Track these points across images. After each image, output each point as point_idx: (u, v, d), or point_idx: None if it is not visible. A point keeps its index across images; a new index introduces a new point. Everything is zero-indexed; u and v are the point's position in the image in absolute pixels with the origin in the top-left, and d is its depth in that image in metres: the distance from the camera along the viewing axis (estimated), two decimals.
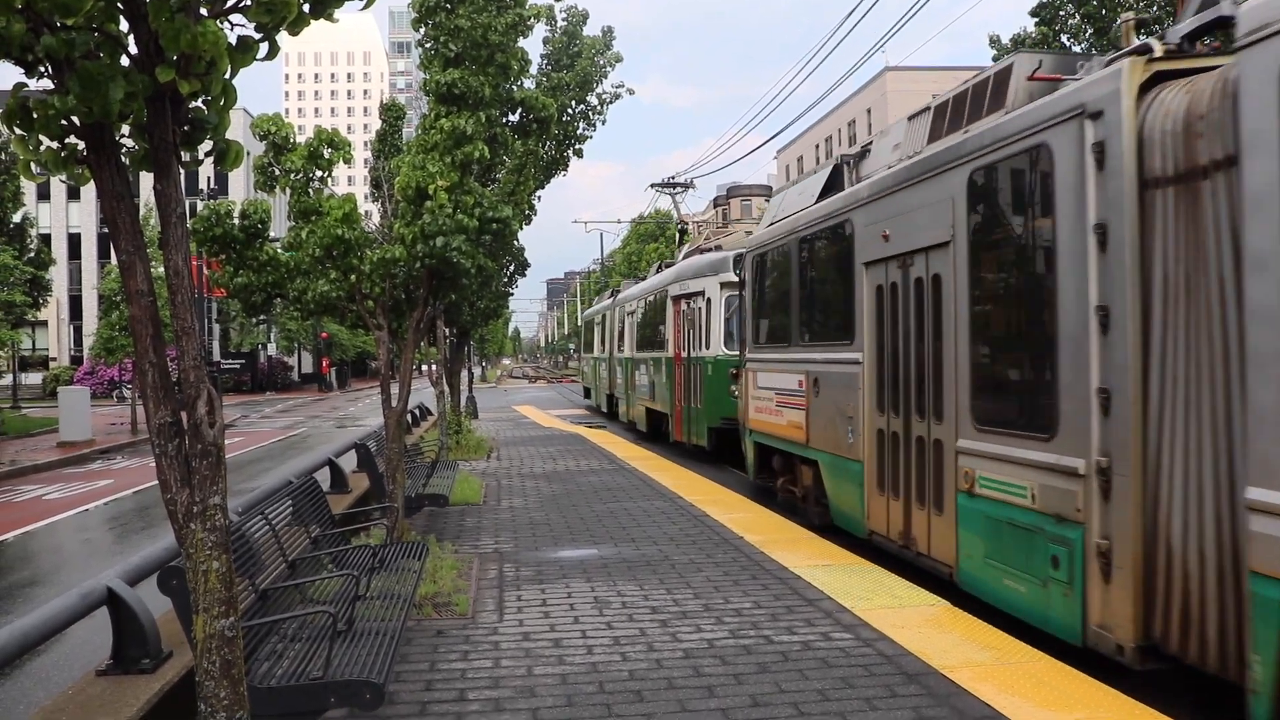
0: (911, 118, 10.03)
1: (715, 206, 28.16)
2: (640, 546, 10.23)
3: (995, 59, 29.12)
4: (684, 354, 21.45)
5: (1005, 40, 30.33)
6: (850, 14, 20.04)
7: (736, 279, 17.41)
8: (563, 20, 19.69)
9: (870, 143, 11.31)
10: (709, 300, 20.15)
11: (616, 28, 19.97)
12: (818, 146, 77.93)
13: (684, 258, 24.49)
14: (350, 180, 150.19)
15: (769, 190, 26.90)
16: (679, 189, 33.91)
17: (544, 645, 6.86)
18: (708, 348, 19.89)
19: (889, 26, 22.71)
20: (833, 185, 11.93)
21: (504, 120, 11.21)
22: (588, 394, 42.12)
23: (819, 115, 72.42)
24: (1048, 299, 6.98)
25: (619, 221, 77.80)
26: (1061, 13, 27.90)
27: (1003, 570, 7.48)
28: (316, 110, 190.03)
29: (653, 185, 34.51)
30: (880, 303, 9.83)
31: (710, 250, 22.29)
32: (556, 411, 37.94)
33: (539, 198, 19.18)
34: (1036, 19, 29.29)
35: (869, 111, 67.66)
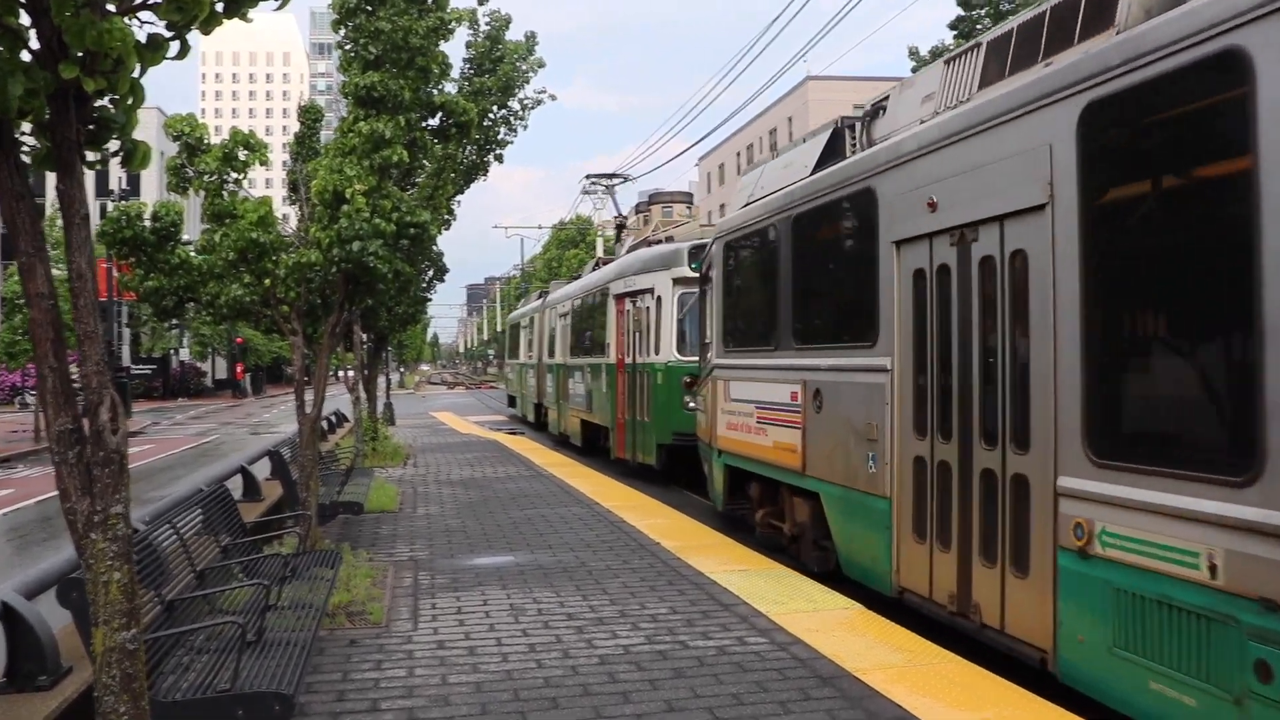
0: (949, 60, 8.15)
1: (638, 212, 27.86)
2: (557, 553, 10.21)
3: (914, 70, 29.87)
4: (628, 360, 19.08)
5: (924, 52, 31.13)
6: (773, 22, 20.32)
7: (692, 273, 15.98)
8: (486, 25, 19.60)
9: (884, 98, 9.32)
10: (659, 298, 17.76)
11: (544, 34, 19.96)
12: (739, 154, 78.83)
13: (628, 252, 21.99)
14: (269, 183, 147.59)
15: (690, 197, 26.64)
16: (615, 180, 32.53)
17: (459, 654, 6.80)
18: (657, 353, 17.61)
19: (810, 37, 23.03)
20: (832, 153, 9.87)
21: (423, 124, 11.13)
22: (512, 403, 40.39)
23: (741, 123, 73.17)
24: (1241, 274, 4.80)
25: (539, 227, 77.78)
26: (979, 26, 28.67)
27: (1148, 669, 5.24)
28: (234, 111, 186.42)
29: (588, 176, 33.47)
30: (922, 292, 7.67)
31: (660, 242, 19.97)
32: (475, 418, 37.68)
33: (458, 202, 19.07)
34: (955, 32, 30.13)
35: (790, 120, 68.59)
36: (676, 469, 17.12)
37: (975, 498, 6.93)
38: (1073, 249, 5.90)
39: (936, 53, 29.31)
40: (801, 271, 10.08)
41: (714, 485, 12.81)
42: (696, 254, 16.10)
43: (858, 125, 9.70)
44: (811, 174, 9.86)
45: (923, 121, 8.06)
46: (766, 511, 11.16)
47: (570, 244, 72.33)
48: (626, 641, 7.04)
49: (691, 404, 15.28)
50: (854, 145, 9.65)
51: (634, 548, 10.41)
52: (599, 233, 48.48)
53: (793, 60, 25.61)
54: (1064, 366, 5.95)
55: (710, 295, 12.99)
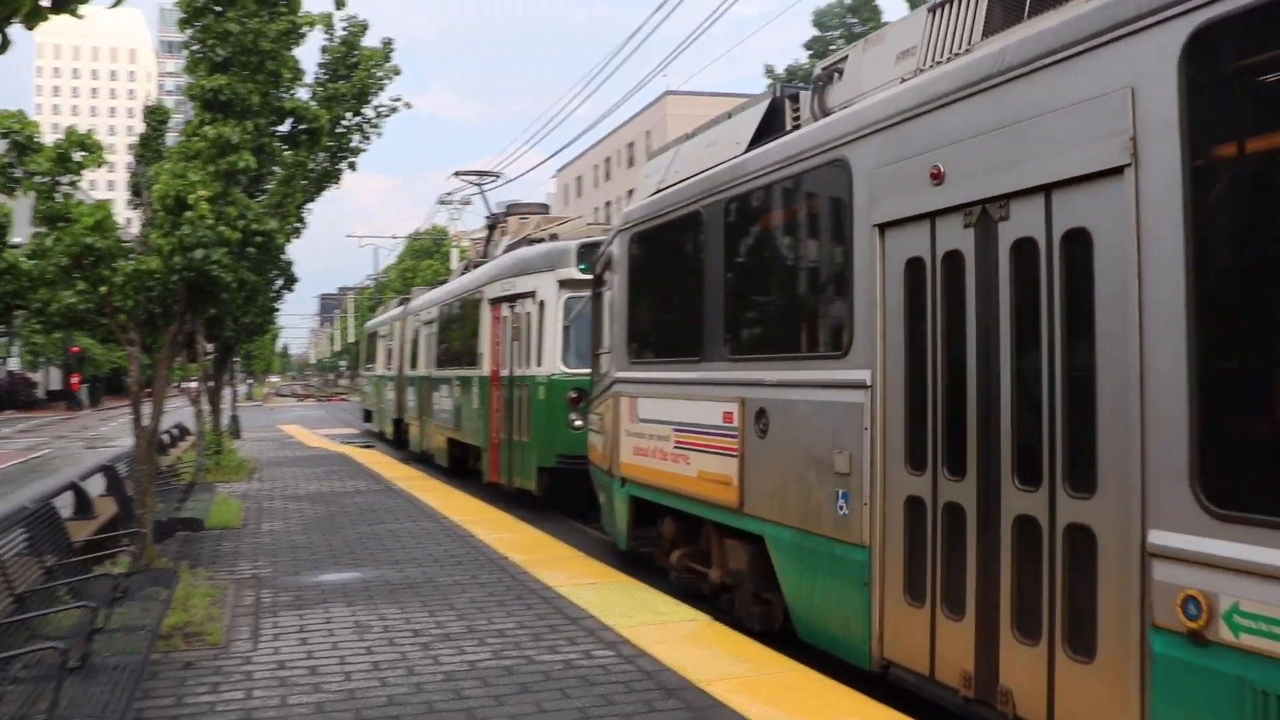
0: (934, 8, 6.70)
1: (495, 224, 27.14)
2: (404, 568, 10.07)
3: (771, 87, 30.76)
4: (505, 372, 17.18)
5: (780, 70, 32.08)
6: (632, 36, 20.53)
7: (582, 275, 14.65)
8: (343, 30, 19.26)
9: (839, 61, 7.77)
10: (542, 303, 15.86)
11: (402, 41, 19.65)
12: (596, 167, 79.75)
13: (506, 251, 19.81)
14: (112, 185, 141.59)
15: (546, 209, 25.88)
16: (487, 178, 30.42)
17: (300, 673, 6.65)
18: (539, 364, 15.69)
19: (670, 51, 23.36)
20: (770, 127, 8.36)
21: (273, 130, 10.88)
22: (368, 417, 38.00)
23: (599, 136, 73.77)
24: None
25: (394, 237, 76.74)
26: (832, 47, 29.71)
27: None
28: (75, 108, 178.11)
29: (457, 173, 31.76)
30: (918, 287, 6.11)
31: (543, 240, 17.82)
32: (325, 431, 36.82)
33: (310, 210, 18.63)
34: (810, 51, 31.16)
35: (648, 134, 69.43)
36: (559, 495, 15.49)
37: (1006, 553, 5.33)
38: (1174, 225, 4.39)
39: (792, 71, 30.21)
40: (737, 266, 8.47)
41: (614, 520, 10.90)
42: (587, 253, 14.82)
43: (803, 95, 8.25)
44: (747, 151, 8.34)
45: (905, 79, 6.61)
46: (684, 553, 9.49)
47: (425, 254, 71.61)
48: (473, 657, 7.00)
49: (578, 422, 14.13)
50: (797, 118, 8.25)
51: (483, 562, 10.35)
52: (454, 244, 47.85)
53: (651, 74, 26.01)
54: (1159, 383, 4.43)
55: (608, 298, 11.27)
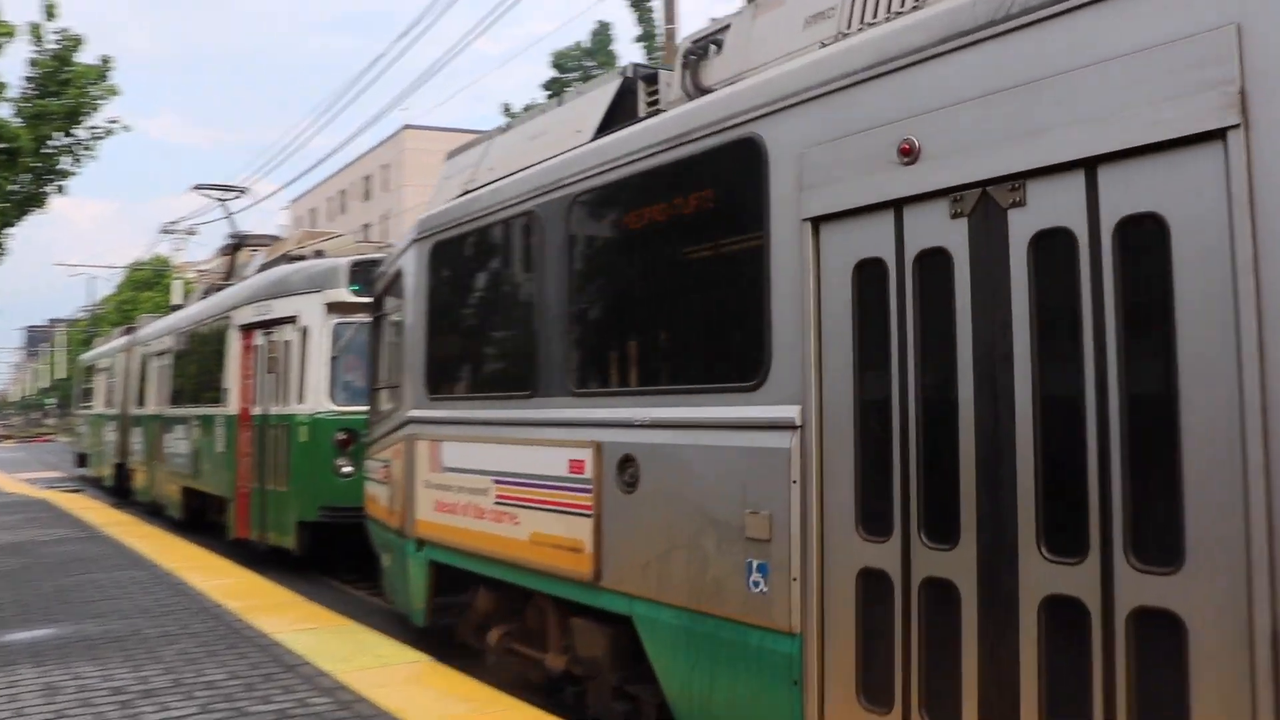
0: None
1: (224, 255, 25.62)
2: (107, 622, 9.37)
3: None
4: (257, 410, 14.91)
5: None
6: (371, 66, 20.23)
7: (355, 297, 13.22)
8: (54, 43, 18.06)
9: (718, 30, 6.35)
10: (305, 329, 13.84)
11: (126, 60, 18.65)
12: (331, 200, 78.53)
13: (260, 270, 17.24)
14: None
15: (278, 239, 24.68)
16: (231, 193, 26.23)
17: None
18: (301, 400, 13.75)
19: (409, 84, 23.13)
20: (620, 113, 7.01)
21: None
22: (83, 461, 33.40)
23: (335, 168, 72.33)
24: None
25: (111, 267, 72.13)
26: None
27: None
28: None
29: (196, 187, 28.91)
30: (879, 297, 4.63)
31: (305, 258, 15.57)
32: (27, 475, 33.83)
33: (10, 235, 17.32)
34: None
35: (385, 168, 68.75)
36: (322, 553, 13.56)
37: (1030, 645, 3.96)
38: None
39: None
40: (591, 278, 6.89)
41: (407, 589, 8.86)
42: (362, 272, 13.25)
43: (664, 74, 6.97)
44: (595, 139, 6.83)
45: (825, 44, 5.27)
46: (506, 631, 7.72)
47: (146, 285, 67.84)
48: (178, 713, 6.58)
49: (348, 469, 12.80)
50: (655, 100, 6.93)
51: (195, 611, 9.79)
52: (176, 275, 45.25)
53: (390, 106, 25.80)
54: None
55: (392, 322, 9.57)
